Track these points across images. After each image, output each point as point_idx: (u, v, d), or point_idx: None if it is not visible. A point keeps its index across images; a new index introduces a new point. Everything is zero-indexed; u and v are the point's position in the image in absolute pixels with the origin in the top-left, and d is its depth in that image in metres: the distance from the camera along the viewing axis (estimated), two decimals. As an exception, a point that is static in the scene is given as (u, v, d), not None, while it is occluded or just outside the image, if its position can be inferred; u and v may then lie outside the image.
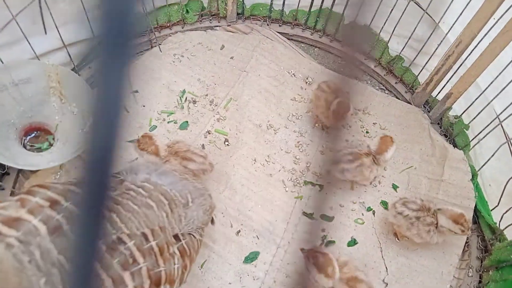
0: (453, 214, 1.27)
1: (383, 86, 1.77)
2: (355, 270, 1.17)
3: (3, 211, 0.72)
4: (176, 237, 0.94)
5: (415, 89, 1.70)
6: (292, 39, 1.84)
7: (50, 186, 0.80)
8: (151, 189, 0.93)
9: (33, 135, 1.45)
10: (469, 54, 1.43)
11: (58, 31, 1.43)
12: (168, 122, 1.57)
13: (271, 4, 1.79)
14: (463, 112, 1.55)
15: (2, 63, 1.36)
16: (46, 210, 0.74)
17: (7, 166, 1.36)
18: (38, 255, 0.69)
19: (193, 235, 1.03)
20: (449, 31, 1.49)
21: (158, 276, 0.84)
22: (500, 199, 1.39)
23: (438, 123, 1.66)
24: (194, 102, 1.62)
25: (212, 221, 1.24)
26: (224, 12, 1.81)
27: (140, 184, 0.93)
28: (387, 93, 1.75)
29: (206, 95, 1.64)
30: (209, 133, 1.55)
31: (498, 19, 1.31)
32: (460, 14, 1.42)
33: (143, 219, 0.86)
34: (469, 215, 1.46)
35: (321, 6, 1.76)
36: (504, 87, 1.33)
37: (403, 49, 1.67)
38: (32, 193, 0.77)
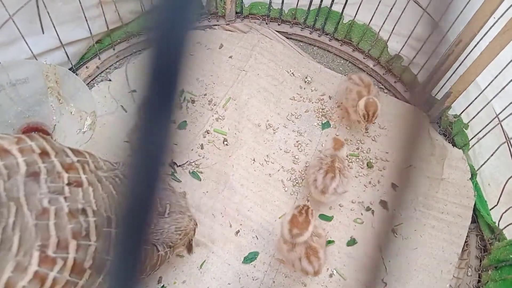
0: (369, 102, 1.44)
1: (382, 85, 1.76)
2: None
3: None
4: None
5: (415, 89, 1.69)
6: (291, 38, 1.83)
7: (50, 141, 0.84)
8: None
9: (31, 135, 1.44)
10: (469, 53, 1.43)
11: (56, 30, 1.42)
12: (166, 122, 1.56)
13: (270, 3, 1.78)
14: (463, 112, 1.55)
15: (-1, 63, 1.35)
16: (34, 156, 0.77)
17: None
18: (2, 187, 0.72)
19: (156, 246, 0.99)
20: (448, 30, 1.48)
21: (102, 263, 0.81)
22: (499, 199, 1.39)
23: (437, 122, 1.66)
24: (193, 101, 1.62)
25: (189, 250, 1.22)
26: (223, 11, 1.80)
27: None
28: (386, 92, 1.74)
29: (205, 94, 1.64)
30: (208, 133, 1.55)
31: (498, 18, 1.31)
32: (460, 12, 1.41)
33: (114, 206, 0.84)
34: (468, 214, 1.46)
35: (320, 4, 1.76)
36: (504, 87, 1.33)
37: (402, 48, 1.66)
38: (31, 138, 0.81)
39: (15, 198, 0.72)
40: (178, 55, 0.22)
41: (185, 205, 1.08)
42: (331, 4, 1.75)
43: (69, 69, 1.54)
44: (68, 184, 0.79)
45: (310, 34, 1.83)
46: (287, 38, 1.83)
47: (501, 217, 1.37)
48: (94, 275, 0.80)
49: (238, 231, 1.38)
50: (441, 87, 1.59)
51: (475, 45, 1.40)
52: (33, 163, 0.76)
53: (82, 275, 0.78)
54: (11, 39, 1.36)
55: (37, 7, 1.37)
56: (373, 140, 1.60)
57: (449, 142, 1.60)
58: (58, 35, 1.44)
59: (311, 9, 1.79)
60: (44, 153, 0.79)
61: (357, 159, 1.55)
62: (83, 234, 0.77)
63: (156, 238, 0.98)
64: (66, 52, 1.51)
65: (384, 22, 1.63)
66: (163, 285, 1.27)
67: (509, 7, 1.28)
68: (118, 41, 1.68)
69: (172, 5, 0.21)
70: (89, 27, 1.51)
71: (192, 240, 1.22)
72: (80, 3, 1.43)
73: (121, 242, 0.25)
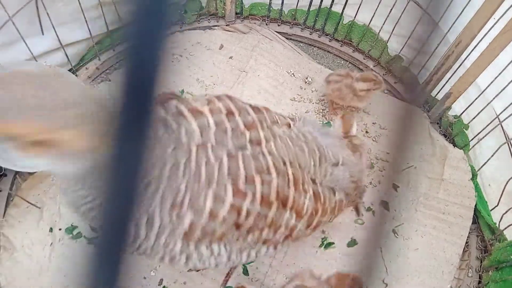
0: (363, 76, 1.51)
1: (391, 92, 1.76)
2: None
3: (193, 102, 0.88)
4: (314, 182, 0.98)
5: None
6: (291, 39, 1.83)
7: (234, 100, 0.93)
8: (309, 138, 1.00)
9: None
10: (469, 54, 1.43)
11: (56, 31, 1.42)
12: (166, 123, 1.56)
13: (270, 3, 1.78)
14: (463, 112, 1.55)
15: (-1, 64, 1.35)
16: (222, 116, 0.86)
17: (4, 167, 1.35)
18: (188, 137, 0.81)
19: (333, 190, 1.06)
20: (448, 30, 1.48)
21: (286, 196, 0.88)
22: (499, 199, 1.38)
23: (438, 123, 1.65)
24: (193, 102, 1.61)
25: (358, 212, 1.30)
26: (223, 11, 1.80)
27: (303, 131, 1.01)
28: (386, 93, 1.74)
29: (205, 95, 1.63)
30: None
31: (499, 19, 1.31)
32: (460, 13, 1.41)
33: (292, 154, 0.92)
34: (469, 214, 1.46)
35: (320, 5, 1.76)
36: (504, 87, 1.33)
37: (402, 48, 1.66)
38: (219, 99, 0.90)
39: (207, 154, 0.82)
40: (153, 67, 0.21)
41: (358, 162, 1.14)
42: (331, 5, 1.75)
43: (69, 70, 1.54)
44: (250, 141, 0.87)
45: (310, 34, 1.83)
46: (287, 38, 1.83)
47: (501, 217, 1.37)
48: (280, 208, 0.88)
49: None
50: (441, 88, 1.59)
51: (475, 46, 1.40)
52: (221, 123, 0.85)
53: (270, 207, 0.86)
54: (11, 40, 1.36)
55: (37, 8, 1.37)
56: (373, 140, 1.60)
57: (449, 143, 1.60)
58: (58, 36, 1.44)
59: (311, 9, 1.79)
60: (229, 113, 0.88)
61: (358, 160, 1.55)
62: (265, 169, 0.85)
63: (333, 185, 1.05)
64: (66, 53, 1.50)
65: (384, 22, 1.63)
66: (164, 286, 1.27)
67: (509, 8, 1.28)
68: (118, 42, 1.68)
69: (146, 15, 0.21)
70: (89, 28, 1.51)
71: (359, 204, 1.30)
72: (80, 4, 1.43)
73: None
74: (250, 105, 0.95)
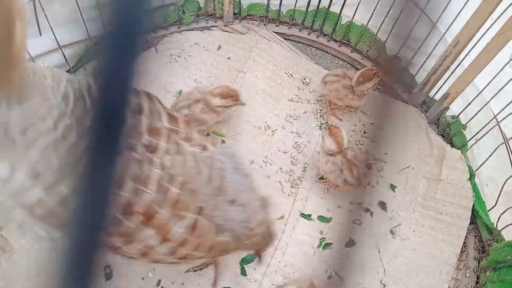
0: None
1: (381, 86, 1.76)
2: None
3: None
4: (201, 211, 0.87)
5: (413, 89, 1.69)
6: (289, 39, 1.83)
7: (154, 101, 0.86)
8: (215, 167, 0.91)
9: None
10: (467, 54, 1.43)
11: (53, 32, 1.42)
12: (164, 124, 1.56)
13: (268, 4, 1.78)
14: (461, 113, 1.55)
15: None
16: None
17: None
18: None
19: (220, 229, 0.94)
20: (446, 31, 1.49)
21: (153, 214, 0.78)
22: (497, 200, 1.39)
23: (436, 123, 1.66)
24: (191, 103, 1.61)
25: (259, 257, 1.19)
26: (221, 12, 1.80)
27: (214, 157, 0.92)
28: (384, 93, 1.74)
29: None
30: (207, 135, 1.55)
31: (496, 19, 1.31)
32: (458, 14, 1.42)
33: (188, 175, 0.83)
34: (467, 214, 1.46)
35: (318, 6, 1.76)
36: (502, 88, 1.33)
37: (400, 48, 1.66)
38: (137, 95, 0.82)
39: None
40: (125, 87, 0.21)
41: (261, 210, 1.02)
42: (329, 5, 1.75)
43: (66, 71, 1.54)
44: (144, 145, 0.78)
45: (308, 35, 1.83)
46: (285, 39, 1.83)
47: (499, 218, 1.37)
48: (143, 222, 0.78)
49: (237, 233, 1.38)
50: (439, 88, 1.59)
51: (473, 46, 1.40)
52: None
53: (130, 217, 0.77)
54: (9, 41, 1.36)
55: (34, 9, 1.37)
56: (371, 141, 1.60)
57: (447, 143, 1.60)
58: (55, 37, 1.44)
59: (309, 10, 1.79)
60: (137, 110, 0.80)
61: (356, 160, 1.55)
62: (141, 180, 0.77)
63: (221, 222, 0.93)
64: (63, 54, 1.50)
65: (382, 23, 1.63)
66: (162, 287, 1.27)
67: (506, 8, 1.28)
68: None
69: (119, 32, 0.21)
70: (86, 29, 1.50)
71: (261, 251, 1.18)
72: (77, 4, 1.43)
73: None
74: (170, 113, 0.87)
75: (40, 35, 1.43)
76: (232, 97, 1.43)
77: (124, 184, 0.73)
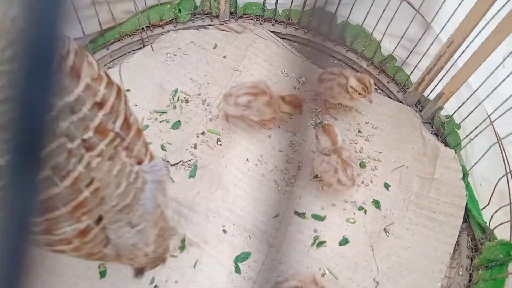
0: (359, 76, 1.50)
1: (376, 85, 1.77)
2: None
3: (86, 63, 0.76)
4: (100, 220, 0.85)
5: (407, 88, 1.70)
6: (285, 38, 1.84)
7: (121, 104, 0.82)
8: (137, 185, 0.88)
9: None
10: (461, 54, 1.44)
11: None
12: (160, 122, 1.56)
13: (264, 3, 1.78)
14: (455, 112, 1.56)
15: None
16: (90, 98, 0.75)
17: None
18: None
19: (109, 241, 0.92)
20: (441, 31, 1.49)
21: (53, 208, 0.76)
22: (490, 199, 1.40)
23: (430, 123, 1.66)
24: (187, 101, 1.62)
25: (136, 273, 1.15)
26: (217, 11, 1.80)
27: (142, 175, 0.89)
28: (380, 92, 1.75)
29: (199, 94, 1.64)
30: (202, 134, 1.55)
31: (490, 20, 1.32)
32: (452, 14, 1.42)
33: (104, 183, 0.81)
34: (460, 213, 1.47)
35: (314, 5, 1.76)
36: (495, 88, 1.34)
37: (395, 48, 1.67)
38: (109, 86, 0.81)
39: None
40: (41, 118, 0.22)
41: (157, 240, 1.00)
42: (325, 5, 1.75)
43: (62, 69, 1.54)
44: (83, 140, 0.75)
45: (304, 34, 1.84)
46: (281, 38, 1.83)
47: (492, 217, 1.38)
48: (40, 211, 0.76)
49: (231, 230, 1.39)
50: (434, 88, 1.60)
51: (467, 47, 1.41)
52: (80, 101, 0.73)
53: None
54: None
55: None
56: (366, 140, 1.61)
57: (441, 142, 1.61)
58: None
59: (305, 9, 1.79)
60: (99, 104, 0.77)
61: (350, 159, 1.56)
62: (62, 172, 0.75)
63: (112, 235, 0.91)
64: (59, 51, 1.50)
65: (377, 22, 1.64)
66: (155, 285, 1.27)
67: (500, 9, 1.29)
68: (112, 40, 1.68)
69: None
70: (82, 27, 1.51)
71: (144, 269, 1.15)
72: (72, 3, 1.43)
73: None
74: (127, 119, 0.85)
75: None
76: (300, 107, 1.48)
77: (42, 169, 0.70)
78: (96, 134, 0.77)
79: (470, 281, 1.38)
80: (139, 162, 0.88)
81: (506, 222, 1.31)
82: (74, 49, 0.75)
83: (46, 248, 0.86)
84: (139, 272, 1.15)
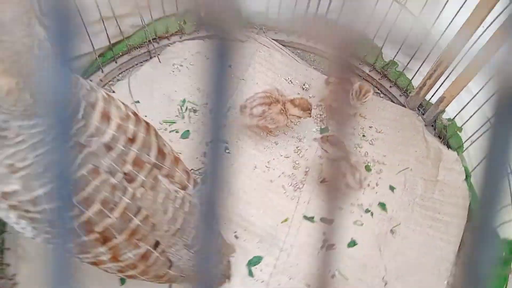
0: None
1: (378, 90, 1.81)
2: None
3: (113, 106, 0.85)
4: (157, 245, 0.94)
5: (409, 92, 1.74)
6: (288, 46, 1.88)
7: (152, 133, 0.94)
8: (185, 210, 0.96)
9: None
10: (460, 60, 1.48)
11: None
12: (170, 132, 1.61)
13: (267, 12, 1.82)
14: (456, 115, 1.60)
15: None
16: (122, 136, 0.85)
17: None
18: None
19: (172, 264, 1.00)
20: (440, 37, 1.54)
21: (110, 237, 0.85)
22: (492, 199, 1.44)
23: (432, 126, 1.71)
24: (195, 111, 1.66)
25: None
26: (221, 21, 1.84)
27: (190, 199, 0.97)
28: (382, 97, 1.79)
29: (206, 103, 1.67)
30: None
31: (488, 26, 1.36)
32: (451, 21, 1.47)
33: (153, 210, 0.89)
34: (464, 213, 1.51)
35: (316, 13, 1.80)
36: (495, 92, 1.38)
37: (396, 55, 1.71)
38: (138, 121, 0.92)
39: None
40: None
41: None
42: (326, 13, 1.79)
43: (73, 83, 1.58)
44: (124, 173, 0.84)
45: (307, 41, 1.88)
46: (284, 45, 1.87)
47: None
48: (99, 241, 0.85)
49: (243, 236, 1.43)
50: (435, 92, 1.64)
51: (466, 52, 1.45)
52: (115, 140, 0.82)
53: (89, 233, 0.83)
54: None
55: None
56: (370, 144, 1.65)
57: (444, 145, 1.65)
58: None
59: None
60: (131, 140, 0.85)
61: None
62: (109, 204, 0.83)
63: (173, 258, 1.00)
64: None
65: (378, 30, 1.68)
66: (172, 291, 1.32)
67: (498, 15, 1.33)
68: (120, 54, 1.72)
69: None
70: (91, 42, 1.55)
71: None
72: (82, 19, 1.47)
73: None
74: (160, 149, 0.93)
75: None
76: (309, 110, 1.53)
77: (92, 205, 0.80)
78: (134, 166, 0.85)
79: (475, 279, 1.42)
80: (183, 188, 0.96)
81: (508, 221, 1.36)
82: (102, 96, 0.83)
83: (119, 274, 0.97)
84: None
